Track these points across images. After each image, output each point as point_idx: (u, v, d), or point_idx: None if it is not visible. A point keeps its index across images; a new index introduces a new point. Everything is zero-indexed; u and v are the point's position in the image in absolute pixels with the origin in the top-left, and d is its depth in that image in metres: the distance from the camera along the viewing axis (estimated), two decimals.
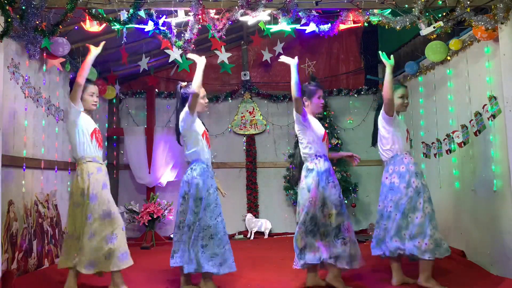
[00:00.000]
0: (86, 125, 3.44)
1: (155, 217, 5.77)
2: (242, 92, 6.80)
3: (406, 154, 3.54)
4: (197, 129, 3.46)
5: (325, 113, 6.38)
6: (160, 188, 6.30)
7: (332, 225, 3.39)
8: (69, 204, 3.49)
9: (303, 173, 3.54)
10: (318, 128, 3.58)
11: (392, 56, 3.59)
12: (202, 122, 3.60)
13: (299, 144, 3.64)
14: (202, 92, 3.53)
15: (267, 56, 6.59)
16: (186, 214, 3.37)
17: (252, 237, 6.30)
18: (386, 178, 3.58)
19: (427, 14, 3.58)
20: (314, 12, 3.67)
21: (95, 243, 3.30)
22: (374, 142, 3.77)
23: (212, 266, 3.28)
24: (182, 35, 3.70)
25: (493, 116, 3.79)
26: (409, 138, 3.69)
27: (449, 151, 4.59)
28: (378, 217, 3.64)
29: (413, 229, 3.36)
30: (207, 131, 3.62)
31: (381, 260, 3.67)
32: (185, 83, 3.57)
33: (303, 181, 3.51)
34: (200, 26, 3.63)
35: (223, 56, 5.64)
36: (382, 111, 3.57)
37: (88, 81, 3.53)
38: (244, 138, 6.78)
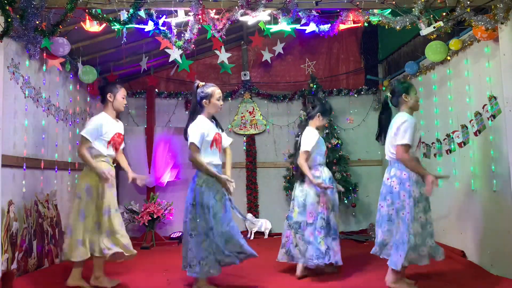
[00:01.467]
0: (106, 134, 3.66)
1: (155, 217, 5.77)
2: (242, 92, 6.80)
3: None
4: (207, 138, 3.42)
5: None
6: (160, 188, 6.30)
7: (335, 225, 3.91)
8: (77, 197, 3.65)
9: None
10: (322, 145, 4.11)
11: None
12: (216, 121, 3.60)
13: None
14: (218, 93, 3.54)
15: (267, 56, 6.59)
16: (196, 221, 3.35)
17: (252, 237, 6.30)
18: (388, 179, 3.52)
19: (427, 14, 3.58)
20: (314, 12, 3.68)
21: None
22: (379, 137, 3.69)
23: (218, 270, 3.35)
24: (182, 35, 3.70)
25: (493, 116, 3.79)
26: (420, 143, 3.65)
27: (449, 151, 4.59)
28: (378, 217, 3.56)
29: (416, 239, 3.32)
30: (221, 130, 3.61)
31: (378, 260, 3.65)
32: (203, 83, 3.57)
33: (307, 185, 3.96)
34: (200, 26, 3.63)
35: (223, 56, 5.64)
36: (406, 122, 3.39)
37: (120, 83, 3.88)
38: (244, 138, 6.78)
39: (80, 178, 3.72)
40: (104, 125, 3.66)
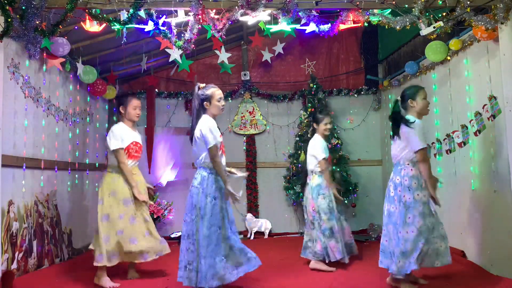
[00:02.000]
0: (123, 142, 3.87)
1: (155, 217, 5.77)
2: (242, 92, 6.80)
3: (408, 165, 3.42)
4: (219, 139, 3.41)
5: None
6: (160, 188, 6.30)
7: (324, 227, 4.22)
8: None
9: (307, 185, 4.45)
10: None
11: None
12: (218, 127, 3.57)
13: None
14: (219, 94, 3.51)
15: (267, 56, 6.59)
16: (189, 223, 3.35)
17: (252, 237, 6.30)
18: (389, 182, 3.58)
19: (427, 14, 3.58)
20: (314, 12, 3.68)
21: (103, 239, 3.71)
22: (395, 135, 3.60)
23: (210, 279, 3.21)
24: (182, 35, 3.70)
25: (493, 116, 3.79)
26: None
27: (449, 151, 4.59)
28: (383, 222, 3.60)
29: (405, 245, 3.30)
30: (222, 133, 3.57)
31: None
32: (203, 85, 3.53)
33: (305, 192, 4.46)
34: (200, 26, 3.63)
35: (223, 56, 5.64)
36: (413, 126, 3.40)
37: (132, 95, 4.10)
38: (244, 138, 6.77)
39: (106, 183, 3.86)
40: (122, 133, 3.88)
